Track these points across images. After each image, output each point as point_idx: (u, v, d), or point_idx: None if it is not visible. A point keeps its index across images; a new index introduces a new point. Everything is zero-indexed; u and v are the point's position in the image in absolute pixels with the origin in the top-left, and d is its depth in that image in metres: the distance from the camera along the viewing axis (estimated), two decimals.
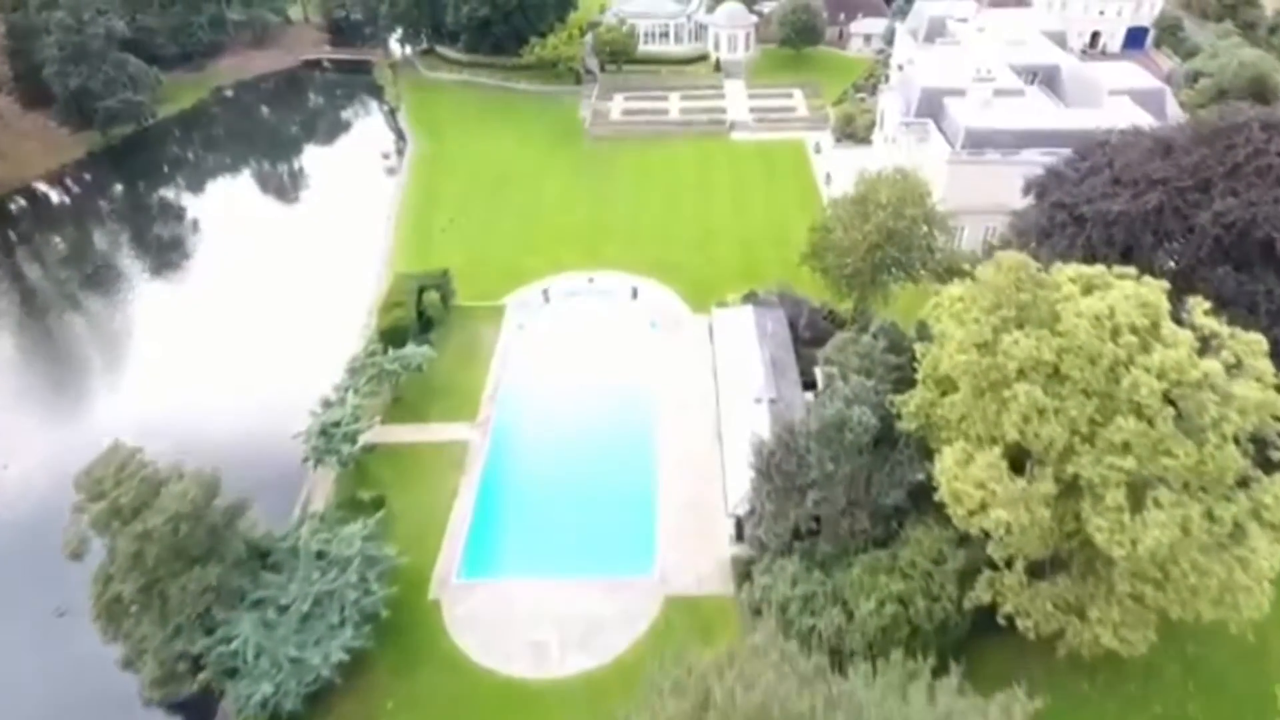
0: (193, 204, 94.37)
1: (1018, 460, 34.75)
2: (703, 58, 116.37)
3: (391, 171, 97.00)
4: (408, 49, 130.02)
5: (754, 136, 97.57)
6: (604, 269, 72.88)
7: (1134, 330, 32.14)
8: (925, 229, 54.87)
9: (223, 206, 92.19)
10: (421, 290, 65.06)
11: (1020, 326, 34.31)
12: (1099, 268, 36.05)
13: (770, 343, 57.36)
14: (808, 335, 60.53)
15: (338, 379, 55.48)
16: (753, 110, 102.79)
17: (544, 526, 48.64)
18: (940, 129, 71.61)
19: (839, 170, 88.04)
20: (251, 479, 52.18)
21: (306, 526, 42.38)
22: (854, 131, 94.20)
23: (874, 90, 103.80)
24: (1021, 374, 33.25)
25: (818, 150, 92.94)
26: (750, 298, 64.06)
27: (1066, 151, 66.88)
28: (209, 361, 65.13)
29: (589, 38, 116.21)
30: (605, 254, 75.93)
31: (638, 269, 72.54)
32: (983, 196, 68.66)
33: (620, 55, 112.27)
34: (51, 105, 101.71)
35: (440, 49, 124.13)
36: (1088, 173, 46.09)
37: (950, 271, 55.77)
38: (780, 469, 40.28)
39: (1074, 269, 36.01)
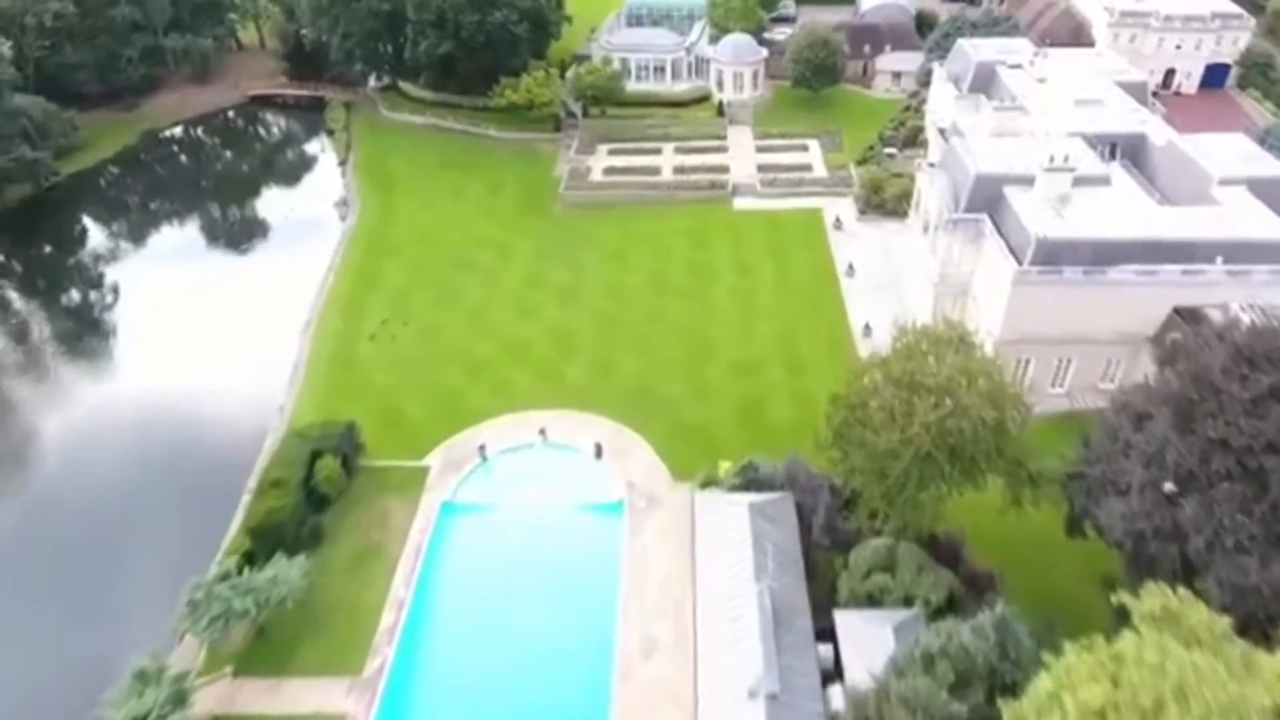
0: (81, 297, 78.67)
1: None
2: (703, 99, 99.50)
3: (344, 218, 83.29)
4: (371, 84, 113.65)
5: (761, 205, 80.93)
6: (563, 404, 57.07)
7: None
8: (994, 414, 38.07)
9: (120, 297, 76.12)
10: (315, 455, 49.35)
11: None
12: None
13: (773, 565, 41.11)
14: (826, 541, 44.31)
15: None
16: (761, 168, 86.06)
17: None
18: (1000, 231, 54.89)
19: (863, 257, 71.74)
20: None
21: None
22: (882, 202, 77.63)
23: (904, 145, 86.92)
24: None
25: (838, 226, 76.43)
26: (748, 473, 47.68)
27: (1173, 270, 51.08)
28: (41, 560, 49.74)
29: (570, 74, 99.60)
30: (568, 379, 60.27)
31: (607, 404, 56.65)
32: (1057, 324, 52.53)
33: (604, 100, 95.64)
34: None
35: (405, 85, 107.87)
36: (1267, 394, 29.29)
37: (1034, 480, 39.32)
38: None
39: None
